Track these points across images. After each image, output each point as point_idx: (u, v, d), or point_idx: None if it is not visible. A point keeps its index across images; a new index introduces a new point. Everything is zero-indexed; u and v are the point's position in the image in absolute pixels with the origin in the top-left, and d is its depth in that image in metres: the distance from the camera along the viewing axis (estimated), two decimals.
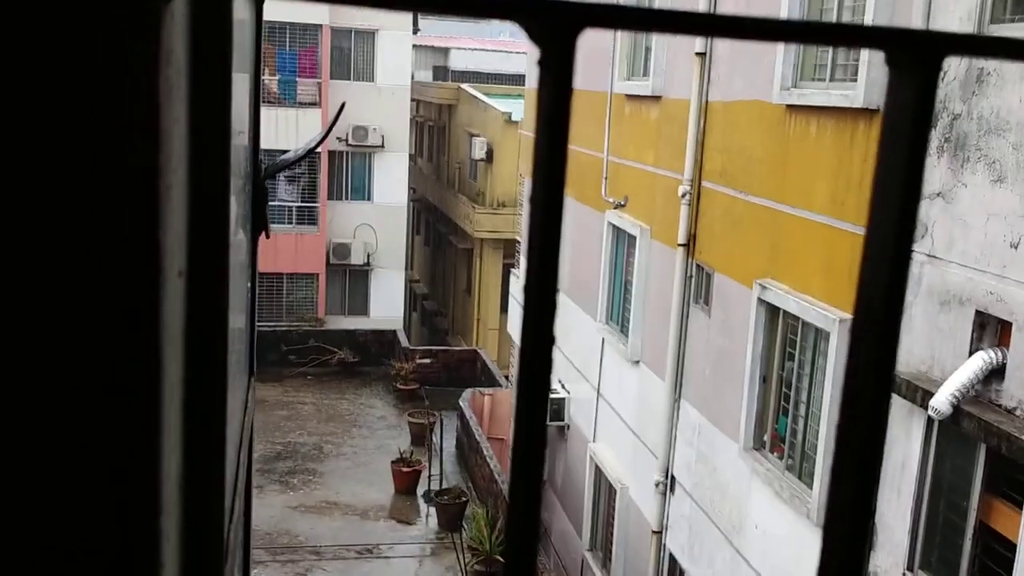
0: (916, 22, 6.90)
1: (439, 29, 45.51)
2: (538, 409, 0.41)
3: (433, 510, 16.69)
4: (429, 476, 17.33)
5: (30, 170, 0.48)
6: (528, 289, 0.41)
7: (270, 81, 24.44)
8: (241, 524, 1.95)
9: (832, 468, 0.45)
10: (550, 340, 0.40)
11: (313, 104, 25.06)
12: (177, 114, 0.55)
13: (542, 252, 0.42)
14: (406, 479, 17.40)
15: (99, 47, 0.45)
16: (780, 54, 8.70)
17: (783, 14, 8.69)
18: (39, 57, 0.46)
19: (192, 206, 0.64)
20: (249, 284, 1.88)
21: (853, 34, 0.35)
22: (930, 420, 6.52)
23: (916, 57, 0.34)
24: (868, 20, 7.44)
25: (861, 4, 7.75)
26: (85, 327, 0.50)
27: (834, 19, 8.20)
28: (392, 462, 17.66)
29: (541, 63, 0.35)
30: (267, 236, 2.03)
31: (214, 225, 0.73)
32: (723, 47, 10.14)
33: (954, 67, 6.60)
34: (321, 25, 25.04)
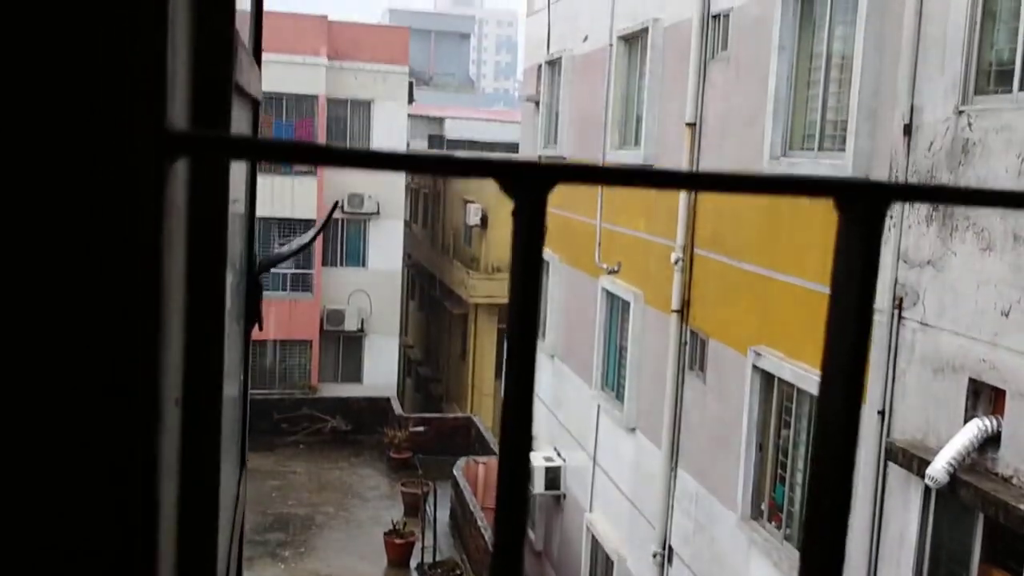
0: (902, 95, 7.04)
1: (434, 99, 46.24)
2: (519, 483, 0.42)
3: None
4: (423, 548, 17.06)
5: (32, 305, 0.50)
6: (505, 410, 0.43)
7: None
8: None
9: (804, 525, 0.46)
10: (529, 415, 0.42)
11: (309, 173, 25.32)
12: (176, 256, 0.57)
13: (518, 373, 0.44)
14: (399, 551, 17.12)
15: (104, 204, 0.48)
16: (769, 123, 8.86)
17: (770, 92, 8.87)
18: (47, 214, 0.49)
19: (189, 335, 0.66)
20: (242, 377, 1.89)
21: (804, 184, 0.37)
22: (927, 489, 6.48)
23: (862, 204, 0.37)
24: (854, 94, 7.59)
25: (847, 76, 7.92)
26: (81, 456, 0.52)
27: (820, 94, 8.37)
28: (385, 533, 17.40)
29: (515, 213, 0.37)
30: (260, 328, 2.06)
31: (209, 352, 0.75)
32: (713, 116, 10.32)
33: (939, 137, 6.72)
34: (317, 96, 25.44)
